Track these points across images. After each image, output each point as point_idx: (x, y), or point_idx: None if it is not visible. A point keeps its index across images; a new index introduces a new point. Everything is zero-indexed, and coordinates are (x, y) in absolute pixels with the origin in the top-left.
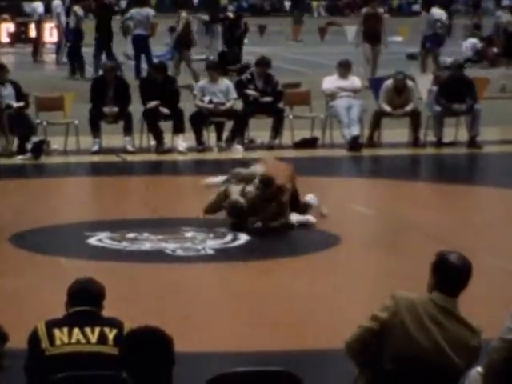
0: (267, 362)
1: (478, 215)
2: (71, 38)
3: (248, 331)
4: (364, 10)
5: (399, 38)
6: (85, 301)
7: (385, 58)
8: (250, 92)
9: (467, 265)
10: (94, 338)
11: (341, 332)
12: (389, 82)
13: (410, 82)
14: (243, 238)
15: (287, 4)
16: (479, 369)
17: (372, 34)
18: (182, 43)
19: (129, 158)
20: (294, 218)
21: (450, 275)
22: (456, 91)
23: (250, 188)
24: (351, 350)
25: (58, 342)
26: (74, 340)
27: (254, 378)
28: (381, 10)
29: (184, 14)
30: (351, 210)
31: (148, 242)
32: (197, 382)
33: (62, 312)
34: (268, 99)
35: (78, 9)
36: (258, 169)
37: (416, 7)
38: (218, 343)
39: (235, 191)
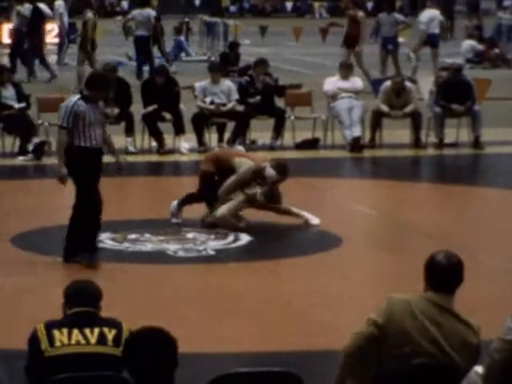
0: (268, 363)
1: (480, 216)
2: (13, 38)
3: (249, 332)
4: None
5: (401, 39)
6: (82, 302)
7: None
8: (253, 101)
9: (454, 261)
10: (93, 339)
11: (342, 332)
12: (387, 84)
13: (408, 84)
14: (244, 238)
15: (288, 5)
16: (478, 369)
17: (349, 38)
18: (87, 44)
19: (130, 158)
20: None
21: (439, 273)
22: (455, 92)
23: (252, 190)
24: (350, 357)
25: (57, 344)
26: (73, 341)
27: (254, 379)
28: (360, 14)
29: (90, 14)
30: (353, 211)
31: (149, 243)
32: (198, 383)
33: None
34: (270, 82)
35: (22, 9)
36: (248, 165)
37: None
38: (218, 344)
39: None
